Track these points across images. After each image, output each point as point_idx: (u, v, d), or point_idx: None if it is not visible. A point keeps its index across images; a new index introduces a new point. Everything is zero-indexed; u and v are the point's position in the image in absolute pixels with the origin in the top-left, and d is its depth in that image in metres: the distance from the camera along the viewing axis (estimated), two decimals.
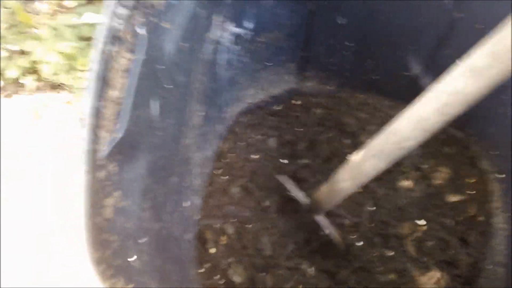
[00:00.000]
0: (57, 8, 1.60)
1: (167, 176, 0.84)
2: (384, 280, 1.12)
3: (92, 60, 0.54)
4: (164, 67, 0.73)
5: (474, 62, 0.62)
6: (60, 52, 1.33)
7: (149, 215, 0.73)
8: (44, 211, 1.31)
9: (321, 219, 1.07)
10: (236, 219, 1.18)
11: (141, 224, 0.70)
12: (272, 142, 1.30)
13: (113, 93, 0.61)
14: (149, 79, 0.69)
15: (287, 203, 1.20)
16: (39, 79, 1.47)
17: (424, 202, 1.22)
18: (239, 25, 0.98)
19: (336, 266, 1.12)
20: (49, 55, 1.32)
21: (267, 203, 1.21)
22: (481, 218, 1.20)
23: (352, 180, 0.86)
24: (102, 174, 0.61)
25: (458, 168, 1.27)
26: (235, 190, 1.23)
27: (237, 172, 1.26)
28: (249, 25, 1.01)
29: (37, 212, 1.31)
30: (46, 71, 1.37)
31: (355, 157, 0.84)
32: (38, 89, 1.48)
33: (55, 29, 1.45)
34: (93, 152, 0.54)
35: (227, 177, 1.25)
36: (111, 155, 0.61)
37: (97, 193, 0.60)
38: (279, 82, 1.30)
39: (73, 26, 1.47)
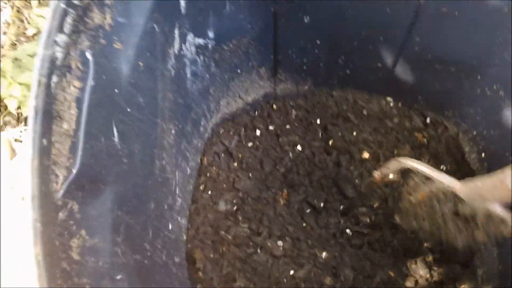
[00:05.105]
0: (18, 38, 1.55)
1: (142, 204, 0.79)
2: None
3: (31, 96, 0.50)
4: (121, 90, 0.69)
5: None
6: (24, 84, 1.28)
7: (124, 249, 0.69)
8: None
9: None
10: (226, 234, 1.15)
11: (116, 260, 0.66)
12: (253, 150, 1.26)
13: (64, 126, 0.57)
14: (106, 106, 0.65)
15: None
16: (7, 114, 1.42)
17: None
18: (199, 35, 0.94)
19: None
20: (13, 89, 1.27)
21: (256, 215, 1.17)
22: None
23: None
24: (62, 214, 0.56)
25: (438, 152, 1.25)
26: (221, 204, 1.19)
27: (221, 185, 1.22)
28: (211, 34, 0.97)
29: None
30: (12, 105, 1.32)
31: None
32: (8, 124, 1.43)
33: (17, 60, 1.40)
34: (41, 197, 0.49)
35: (212, 192, 1.21)
36: (69, 193, 0.57)
37: (60, 235, 0.56)
38: (253, 88, 1.26)
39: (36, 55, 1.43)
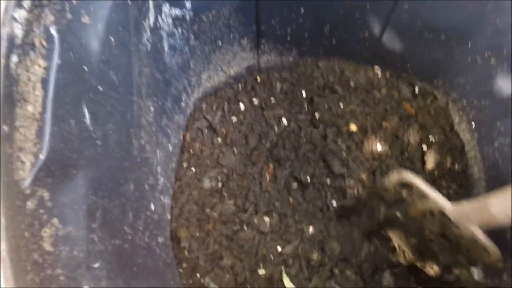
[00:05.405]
0: None
1: (119, 186, 0.76)
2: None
3: None
4: (91, 68, 0.64)
5: None
6: None
7: (101, 235, 0.65)
8: None
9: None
10: (211, 211, 1.12)
11: (93, 248, 0.63)
12: (237, 124, 1.22)
13: (29, 109, 0.53)
14: (75, 85, 0.60)
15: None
16: None
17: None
18: (176, 5, 0.88)
19: None
20: None
21: (241, 191, 1.15)
22: (458, 169, 1.17)
23: None
24: (31, 204, 0.53)
25: (427, 122, 1.22)
26: (206, 181, 1.16)
27: (205, 162, 1.18)
28: (188, 4, 0.91)
29: None
30: None
31: None
32: None
33: None
34: (5, 188, 0.45)
35: (196, 168, 1.18)
36: (38, 180, 0.53)
37: (30, 226, 0.52)
38: (235, 61, 1.21)
39: None
